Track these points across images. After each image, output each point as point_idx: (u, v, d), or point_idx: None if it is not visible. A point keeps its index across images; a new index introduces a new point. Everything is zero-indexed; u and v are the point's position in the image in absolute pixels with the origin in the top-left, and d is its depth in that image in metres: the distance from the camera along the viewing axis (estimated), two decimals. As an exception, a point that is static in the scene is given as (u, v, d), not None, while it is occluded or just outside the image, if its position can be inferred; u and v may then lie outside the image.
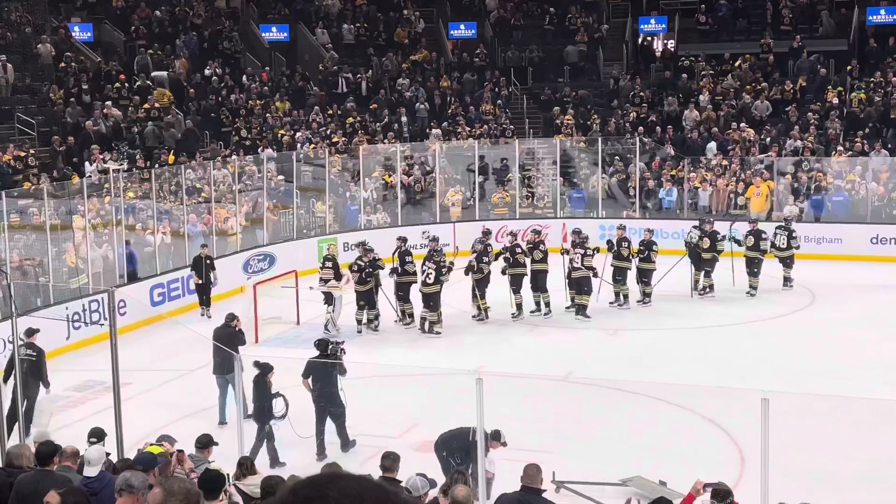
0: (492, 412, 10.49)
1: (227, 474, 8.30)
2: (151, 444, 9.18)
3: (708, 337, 17.59)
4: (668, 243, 21.83)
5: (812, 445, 11.66)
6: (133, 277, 19.70)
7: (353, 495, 1.84)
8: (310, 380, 12.31)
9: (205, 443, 9.16)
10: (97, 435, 9.45)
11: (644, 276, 19.51)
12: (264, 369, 12.04)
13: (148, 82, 28.80)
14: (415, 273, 18.41)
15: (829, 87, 28.32)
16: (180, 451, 8.64)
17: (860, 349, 16.36)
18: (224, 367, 13.10)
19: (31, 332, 13.64)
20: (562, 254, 19.45)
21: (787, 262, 20.53)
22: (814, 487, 9.99)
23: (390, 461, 8.29)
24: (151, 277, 19.82)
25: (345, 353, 12.79)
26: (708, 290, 20.11)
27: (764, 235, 20.21)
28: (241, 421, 10.84)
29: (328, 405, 12.21)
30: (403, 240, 19.06)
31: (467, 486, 7.26)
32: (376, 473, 8.28)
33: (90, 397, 14.64)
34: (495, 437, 10.24)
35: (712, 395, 13.00)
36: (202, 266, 19.43)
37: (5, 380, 12.81)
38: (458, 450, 10.08)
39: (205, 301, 19.65)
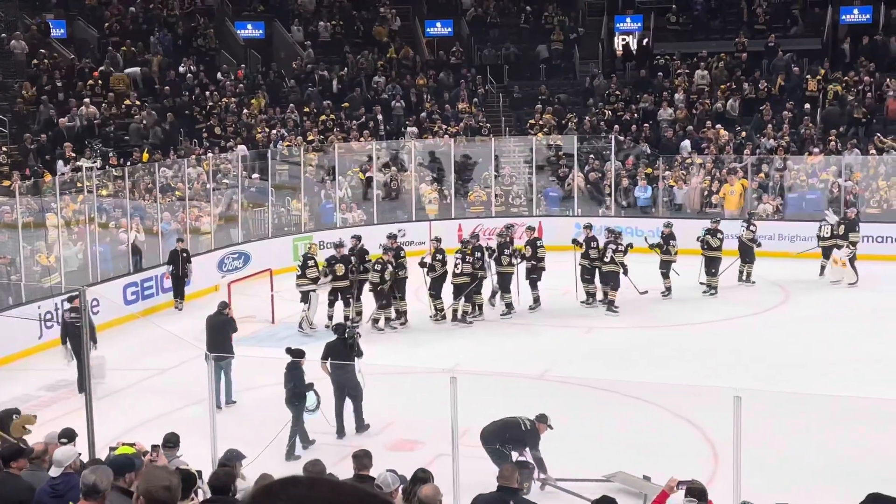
0: (467, 411, 10.49)
1: (199, 472, 8.23)
2: (124, 444, 9.12)
3: (682, 335, 17.65)
4: (642, 241, 21.67)
5: (784, 442, 11.72)
6: (138, 268, 20.24)
7: (302, 502, 1.82)
8: (328, 363, 12.80)
9: (173, 442, 9.10)
10: (67, 435, 9.36)
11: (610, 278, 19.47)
12: (297, 355, 12.45)
13: (111, 68, 28.63)
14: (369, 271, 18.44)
15: (809, 76, 28.61)
16: (155, 446, 8.58)
17: (833, 346, 16.47)
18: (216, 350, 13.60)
19: (73, 299, 15.47)
20: (525, 248, 19.37)
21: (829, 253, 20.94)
22: (785, 484, 10.05)
23: (368, 459, 8.24)
24: (124, 276, 19.69)
25: (360, 336, 13.55)
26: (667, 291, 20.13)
27: (720, 235, 20.14)
28: (213, 416, 10.74)
29: (347, 387, 12.72)
30: (358, 238, 19.06)
31: (433, 484, 7.25)
32: (350, 471, 8.25)
33: (62, 397, 14.54)
34: (542, 420, 10.86)
35: (686, 393, 13.04)
36: (178, 259, 19.70)
37: (63, 343, 15.29)
38: (510, 440, 10.68)
39: (179, 293, 19.88)
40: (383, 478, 7.25)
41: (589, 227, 19.95)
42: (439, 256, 18.69)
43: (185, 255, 19.90)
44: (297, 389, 12.23)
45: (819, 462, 11.42)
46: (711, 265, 20.13)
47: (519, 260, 19.08)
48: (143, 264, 20.44)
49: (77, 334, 14.49)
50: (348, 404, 12.86)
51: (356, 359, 12.91)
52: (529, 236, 19.53)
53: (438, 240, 19.48)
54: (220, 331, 14.30)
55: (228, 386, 14.00)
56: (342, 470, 8.39)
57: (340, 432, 12.77)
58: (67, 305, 15.77)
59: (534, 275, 19.10)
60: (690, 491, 7.90)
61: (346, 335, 13.30)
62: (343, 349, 13.06)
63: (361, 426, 12.92)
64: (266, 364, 15.31)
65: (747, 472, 8.62)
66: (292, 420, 12.23)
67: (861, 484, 10.16)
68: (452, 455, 9.52)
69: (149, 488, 4.60)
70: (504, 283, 18.90)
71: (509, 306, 18.85)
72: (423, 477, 7.61)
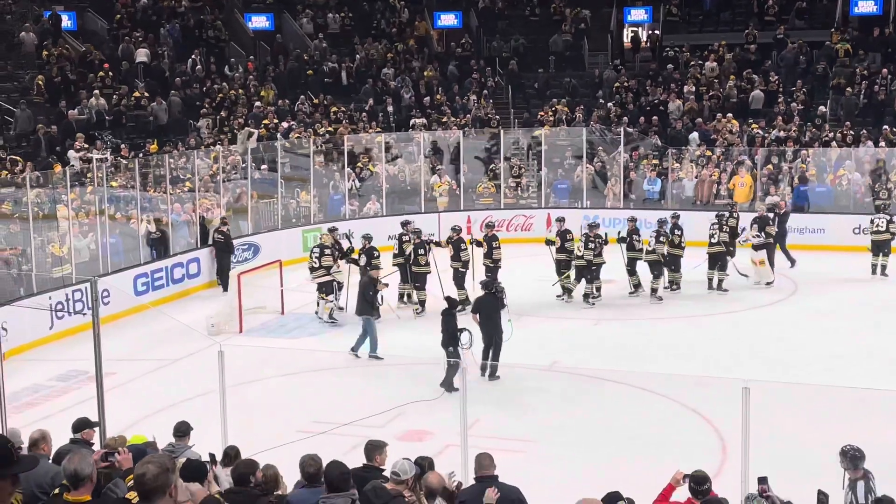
0: (475, 400, 10.54)
1: (212, 454, 8.25)
2: (135, 435, 9.15)
3: (690, 327, 17.66)
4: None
5: (793, 434, 11.73)
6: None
7: None
8: (478, 315, 14.66)
9: (183, 431, 9.12)
10: (87, 425, 9.30)
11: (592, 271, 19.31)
12: (452, 305, 14.47)
13: (94, 58, 28.76)
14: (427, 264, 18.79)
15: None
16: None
17: (842, 338, 16.47)
18: (361, 310, 15.90)
19: (223, 223, 21.04)
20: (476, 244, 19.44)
21: (885, 249, 20.57)
22: (794, 476, 10.05)
23: (377, 451, 8.16)
24: (135, 267, 19.76)
25: (504, 289, 15.28)
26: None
27: (678, 231, 19.67)
28: (224, 406, 10.78)
29: (494, 334, 14.52)
30: (418, 232, 19.34)
31: (437, 472, 7.29)
32: (360, 462, 8.27)
33: (73, 387, 14.59)
34: None
35: (695, 385, 13.07)
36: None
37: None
38: None
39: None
40: (401, 465, 7.25)
41: (561, 220, 20.03)
42: (375, 253, 18.29)
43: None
44: (450, 333, 14.01)
45: (828, 454, 11.40)
46: (673, 262, 19.75)
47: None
48: (155, 254, 20.51)
49: (221, 248, 20.49)
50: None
51: (503, 309, 14.77)
52: (488, 233, 19.40)
53: (492, 225, 19.79)
54: (365, 289, 15.94)
55: (372, 342, 15.62)
56: (353, 458, 8.41)
57: (484, 371, 14.40)
58: (217, 227, 20.96)
59: (489, 273, 18.77)
60: (692, 478, 7.90)
61: (494, 290, 14.94)
62: (493, 301, 14.76)
63: (493, 375, 14.38)
64: (276, 354, 15.43)
65: (756, 463, 8.62)
66: (449, 362, 13.82)
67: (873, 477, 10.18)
68: (461, 446, 9.55)
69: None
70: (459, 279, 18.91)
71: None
72: (421, 464, 7.61)
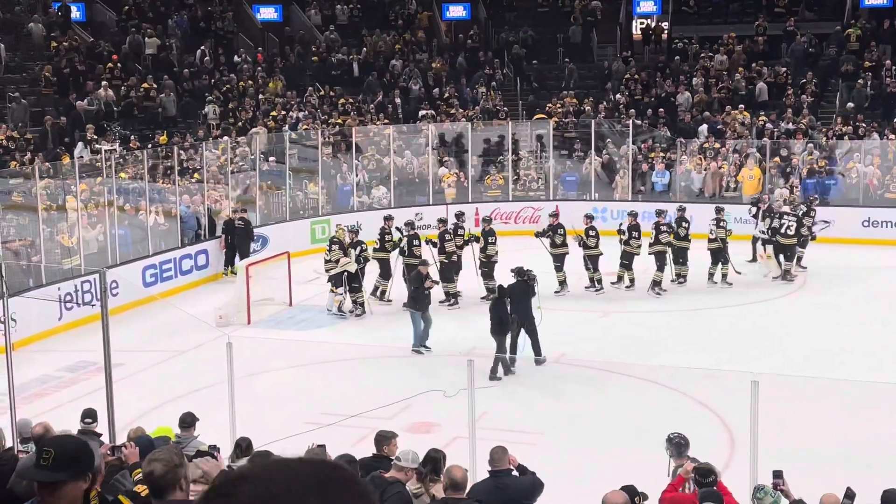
0: (483, 393, 10.54)
1: (217, 447, 8.26)
2: (161, 427, 9.20)
3: (698, 320, 17.62)
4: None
5: (801, 428, 11.71)
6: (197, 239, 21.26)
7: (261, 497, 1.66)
8: (507, 301, 14.43)
9: (189, 422, 9.16)
10: (90, 416, 9.43)
11: (590, 263, 19.27)
12: (502, 294, 14.55)
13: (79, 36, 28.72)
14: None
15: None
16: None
17: (850, 332, 16.42)
18: (409, 303, 16.24)
19: (243, 210, 21.41)
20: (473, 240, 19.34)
21: None
22: (802, 469, 10.03)
23: (386, 441, 8.19)
24: (144, 258, 19.78)
25: (536, 276, 15.13)
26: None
27: (685, 224, 19.56)
28: (232, 397, 10.80)
29: (524, 322, 14.32)
30: (457, 220, 19.41)
31: (460, 465, 7.29)
32: (369, 453, 8.28)
33: (82, 378, 14.64)
34: None
35: (703, 378, 13.04)
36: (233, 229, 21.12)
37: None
38: None
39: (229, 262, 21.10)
40: (403, 452, 7.28)
41: (555, 214, 19.71)
42: (363, 246, 18.42)
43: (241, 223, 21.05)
44: (498, 321, 14.15)
45: (837, 447, 11.40)
46: (680, 255, 19.62)
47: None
48: (163, 245, 20.51)
49: (242, 235, 20.57)
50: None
51: (533, 297, 14.64)
52: (485, 227, 19.33)
53: (488, 220, 19.70)
54: (415, 282, 16.09)
55: (416, 335, 15.53)
56: (361, 451, 8.42)
57: (512, 364, 14.45)
58: (237, 215, 21.06)
59: (485, 268, 18.76)
60: (697, 471, 7.91)
61: (527, 277, 14.76)
62: (524, 288, 14.58)
63: (538, 360, 14.40)
64: (285, 346, 15.46)
65: (764, 456, 8.62)
66: (496, 348, 14.11)
67: (879, 470, 10.18)
68: (469, 438, 9.55)
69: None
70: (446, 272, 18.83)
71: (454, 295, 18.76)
72: (435, 456, 7.62)
